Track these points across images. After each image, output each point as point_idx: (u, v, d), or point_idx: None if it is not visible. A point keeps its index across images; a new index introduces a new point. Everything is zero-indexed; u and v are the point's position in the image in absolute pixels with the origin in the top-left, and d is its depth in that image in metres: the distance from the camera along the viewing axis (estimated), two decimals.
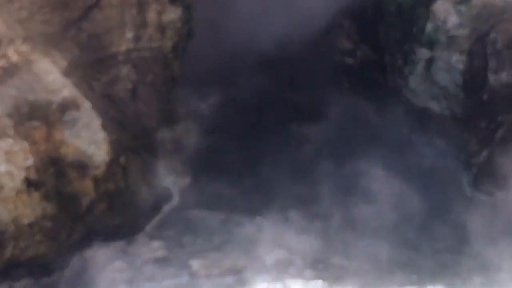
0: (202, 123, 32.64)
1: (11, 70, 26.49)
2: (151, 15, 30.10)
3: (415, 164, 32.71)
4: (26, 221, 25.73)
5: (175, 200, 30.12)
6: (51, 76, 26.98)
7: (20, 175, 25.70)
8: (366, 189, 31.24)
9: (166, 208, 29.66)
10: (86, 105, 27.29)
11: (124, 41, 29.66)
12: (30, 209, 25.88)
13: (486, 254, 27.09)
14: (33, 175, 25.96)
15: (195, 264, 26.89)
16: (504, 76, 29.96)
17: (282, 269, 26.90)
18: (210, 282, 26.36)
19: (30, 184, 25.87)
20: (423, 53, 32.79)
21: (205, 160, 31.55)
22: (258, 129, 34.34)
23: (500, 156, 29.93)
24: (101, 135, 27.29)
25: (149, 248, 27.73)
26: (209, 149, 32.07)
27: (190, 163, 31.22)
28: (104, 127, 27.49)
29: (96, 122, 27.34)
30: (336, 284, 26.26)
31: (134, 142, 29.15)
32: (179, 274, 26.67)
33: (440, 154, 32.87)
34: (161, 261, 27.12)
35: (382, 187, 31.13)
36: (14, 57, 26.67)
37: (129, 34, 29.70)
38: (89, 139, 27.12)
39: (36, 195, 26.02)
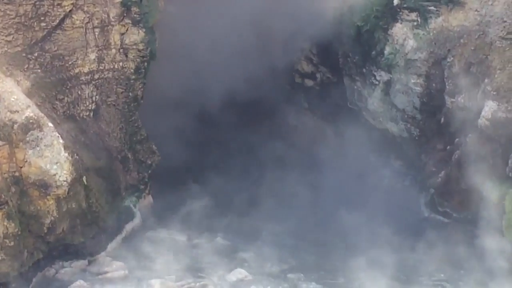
0: (163, 144, 32.57)
1: None
2: (114, 37, 30.18)
3: (373, 184, 32.88)
4: None
5: (137, 220, 30.20)
6: (14, 96, 26.72)
7: None
8: (325, 210, 31.59)
9: (128, 227, 29.74)
10: (49, 125, 27.05)
11: (87, 62, 29.64)
12: None
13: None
14: None
15: (156, 283, 26.62)
16: (460, 99, 30.15)
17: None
18: None
19: None
20: (382, 76, 32.97)
21: (167, 180, 31.49)
22: (219, 144, 34.84)
23: (457, 178, 30.19)
24: (63, 155, 27.07)
25: (110, 267, 27.58)
26: (170, 169, 32.06)
27: (152, 183, 31.20)
28: (67, 147, 27.30)
29: (58, 142, 27.08)
30: None
31: (97, 162, 28.96)
32: None
33: (397, 175, 33.12)
34: (122, 281, 27.01)
35: (341, 208, 31.27)
36: None
37: (92, 55, 29.70)
38: (51, 158, 26.89)
39: None
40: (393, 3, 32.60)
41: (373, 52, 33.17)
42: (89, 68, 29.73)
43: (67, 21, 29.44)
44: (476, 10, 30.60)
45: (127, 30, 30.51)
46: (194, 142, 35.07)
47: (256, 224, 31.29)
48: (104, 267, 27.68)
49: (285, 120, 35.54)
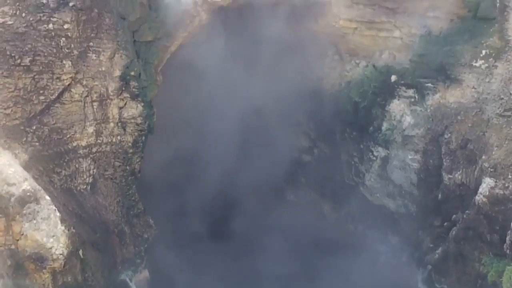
0: (160, 218, 32.51)
1: None
2: (113, 110, 30.28)
3: (370, 260, 32.67)
4: None
5: None
6: (12, 169, 26.62)
7: None
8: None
9: None
10: (46, 198, 26.83)
11: (85, 136, 29.72)
12: None
13: None
14: None
15: None
16: (458, 176, 30.16)
17: None
18: None
19: None
20: (379, 152, 33.08)
21: (163, 255, 31.45)
22: (219, 218, 34.89)
23: (454, 255, 29.94)
24: (60, 228, 26.84)
25: None
26: (167, 244, 31.98)
27: (148, 257, 31.07)
28: (64, 220, 27.09)
29: (55, 215, 26.83)
30: None
31: (93, 235, 28.82)
32: None
33: (394, 251, 32.91)
34: None
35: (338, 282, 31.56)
36: None
37: (90, 129, 29.78)
38: (48, 232, 26.64)
39: None
40: (390, 79, 32.77)
41: (371, 128, 33.27)
42: (87, 142, 29.79)
43: (66, 94, 29.55)
44: (473, 87, 30.84)
45: (125, 104, 30.65)
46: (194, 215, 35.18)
47: None
48: None
49: (283, 195, 35.88)
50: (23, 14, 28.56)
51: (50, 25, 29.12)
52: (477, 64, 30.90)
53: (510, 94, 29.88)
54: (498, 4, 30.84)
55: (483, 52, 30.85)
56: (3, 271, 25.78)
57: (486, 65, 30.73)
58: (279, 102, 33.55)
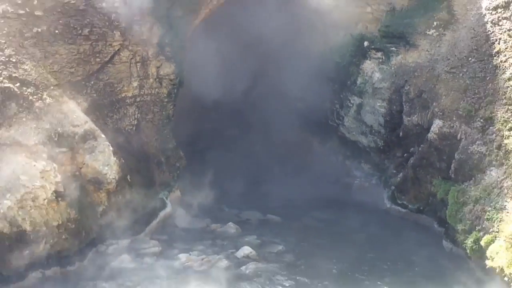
0: (188, 151, 33.23)
1: (45, 109, 27.23)
2: (152, 69, 31.20)
3: (347, 182, 33.73)
4: (55, 223, 26.30)
5: (168, 209, 30.88)
6: (76, 114, 27.83)
7: (51, 189, 26.26)
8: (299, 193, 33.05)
9: (161, 214, 30.56)
10: (102, 136, 28.11)
11: (131, 89, 30.59)
12: (58, 214, 26.47)
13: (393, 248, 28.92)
14: (60, 189, 26.56)
15: (183, 256, 28.05)
16: (415, 118, 31.05)
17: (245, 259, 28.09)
18: (191, 270, 27.31)
19: (58, 195, 26.46)
20: (355, 100, 33.90)
21: (195, 180, 31.97)
22: (231, 152, 35.11)
23: (412, 178, 31.09)
24: (112, 159, 28.11)
25: (147, 245, 28.64)
26: (198, 171, 32.69)
27: (182, 180, 31.87)
28: (115, 153, 28.21)
29: (109, 149, 28.11)
30: None
31: (138, 164, 29.52)
32: (168, 264, 27.57)
33: (367, 176, 33.73)
34: (154, 253, 28.19)
35: (322, 200, 32.83)
36: (48, 99, 27.46)
37: (135, 83, 30.71)
38: (103, 162, 27.97)
39: (62, 204, 26.67)
40: (363, 45, 33.66)
41: (348, 82, 34.07)
42: (132, 93, 30.66)
43: (116, 57, 30.44)
44: (426, 51, 31.73)
45: (161, 64, 31.53)
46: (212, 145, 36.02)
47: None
48: (143, 244, 28.57)
49: (283, 135, 35.83)
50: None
51: (103, 4, 29.95)
52: (430, 33, 31.83)
53: (455, 55, 30.57)
54: None
55: (435, 23, 31.76)
56: (69, 192, 26.91)
57: (437, 33, 31.64)
58: (275, 62, 34.69)
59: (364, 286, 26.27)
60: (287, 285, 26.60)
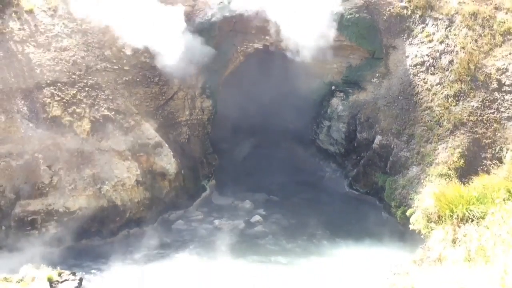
0: (220, 155, 33.16)
1: (130, 128, 27.88)
2: (198, 103, 31.33)
3: (319, 176, 33.63)
4: (136, 200, 27.07)
5: (207, 192, 31.08)
6: (149, 132, 28.31)
7: (133, 178, 27.08)
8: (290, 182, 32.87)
9: (203, 195, 30.74)
10: (166, 145, 28.51)
11: (184, 116, 30.76)
12: (138, 194, 27.23)
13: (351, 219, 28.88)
14: (139, 178, 27.31)
15: (216, 221, 28.56)
16: (364, 134, 31.03)
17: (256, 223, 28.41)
18: (222, 230, 27.80)
19: (138, 182, 27.19)
20: (326, 123, 33.70)
21: (224, 173, 32.04)
22: (248, 156, 34.91)
23: (362, 173, 31.29)
24: (172, 160, 28.46)
25: (194, 212, 29.15)
26: (226, 168, 32.65)
27: (216, 173, 31.96)
28: (174, 156, 28.61)
29: (170, 153, 28.48)
30: None
31: (188, 163, 29.80)
32: (207, 226, 28.22)
33: (333, 171, 33.50)
34: (200, 220, 28.64)
35: (305, 186, 32.77)
36: (132, 122, 28.04)
37: (187, 112, 30.93)
38: (167, 161, 28.39)
39: (141, 188, 27.38)
40: (332, 88, 33.46)
41: (322, 112, 33.86)
42: (185, 119, 30.82)
43: (175, 96, 30.64)
44: (371, 92, 31.58)
45: (203, 100, 31.68)
46: (239, 144, 35.25)
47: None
48: (192, 214, 28.97)
49: (279, 144, 35.52)
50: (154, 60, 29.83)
51: (167, 63, 29.74)
52: (374, 81, 31.62)
53: (389, 95, 30.64)
54: (384, 51, 31.42)
55: (377, 74, 31.58)
56: (145, 180, 27.63)
57: (378, 81, 31.49)
58: (275, 98, 33.99)
59: (330, 239, 26.91)
60: (282, 239, 27.06)
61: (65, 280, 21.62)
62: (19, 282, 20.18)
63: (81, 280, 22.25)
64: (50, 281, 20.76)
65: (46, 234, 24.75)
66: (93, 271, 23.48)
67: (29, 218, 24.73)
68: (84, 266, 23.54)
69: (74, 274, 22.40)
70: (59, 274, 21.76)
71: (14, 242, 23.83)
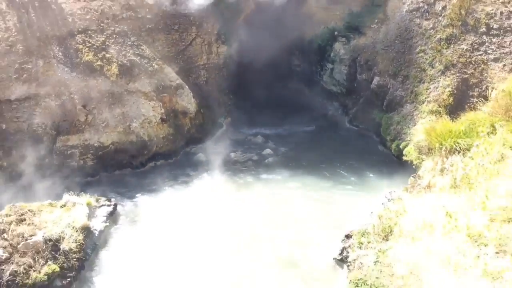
0: (235, 94, 32.92)
1: (154, 72, 27.25)
2: (214, 49, 30.93)
3: (323, 113, 33.35)
4: (161, 135, 27.06)
5: (223, 128, 31.06)
6: (171, 75, 27.99)
7: (158, 116, 26.97)
8: (297, 119, 32.44)
9: (220, 131, 30.72)
10: (186, 87, 28.31)
11: (202, 60, 30.44)
12: (163, 130, 27.19)
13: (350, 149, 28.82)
14: (163, 116, 27.20)
15: (232, 154, 28.43)
16: (363, 76, 30.63)
17: (267, 155, 28.27)
18: (238, 161, 27.75)
19: (162, 120, 27.11)
20: (329, 66, 33.24)
21: (238, 115, 31.94)
22: (266, 88, 33.88)
23: (361, 110, 30.74)
24: (192, 100, 28.31)
25: (212, 146, 28.89)
26: (240, 106, 32.54)
27: (230, 115, 31.87)
28: (194, 96, 28.47)
29: (190, 94, 28.33)
30: None
31: (207, 103, 29.66)
32: (224, 158, 27.93)
33: (336, 109, 33.34)
34: (217, 153, 28.23)
35: (310, 121, 32.66)
36: (155, 66, 27.69)
37: (204, 57, 30.61)
38: (187, 101, 28.22)
39: (165, 125, 27.35)
40: (335, 33, 32.90)
41: (326, 55, 33.38)
42: (203, 63, 30.54)
43: (193, 42, 30.31)
44: (371, 36, 31.23)
45: (219, 46, 31.35)
46: (250, 86, 33.67)
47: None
48: (210, 147, 28.80)
49: (286, 85, 34.90)
50: (173, 5, 29.70)
51: (186, 11, 29.80)
52: (373, 26, 31.25)
53: (387, 39, 30.18)
54: None
55: (375, 20, 31.21)
56: (169, 118, 27.40)
57: (377, 26, 31.11)
58: (284, 43, 33.04)
59: (333, 166, 27.00)
60: (291, 166, 27.22)
61: (102, 205, 22.28)
62: (62, 207, 20.82)
63: (115, 205, 22.96)
64: (89, 206, 21.42)
65: (84, 165, 25.13)
66: (125, 197, 23.91)
67: (68, 152, 25.03)
68: (118, 193, 23.99)
69: (109, 200, 23.12)
70: (97, 200, 22.45)
71: (57, 173, 24.19)
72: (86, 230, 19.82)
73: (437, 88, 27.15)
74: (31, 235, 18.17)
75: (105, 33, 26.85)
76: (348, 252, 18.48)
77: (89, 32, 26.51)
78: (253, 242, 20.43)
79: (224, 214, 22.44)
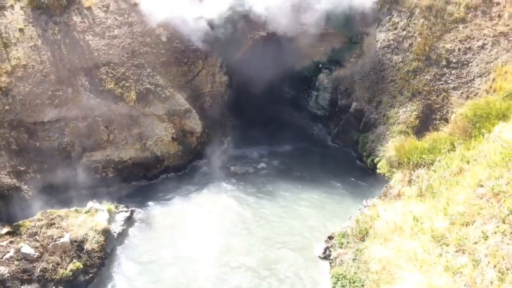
0: (235, 117, 32.50)
1: (166, 98, 27.23)
2: (217, 78, 30.65)
3: (310, 133, 32.89)
4: (172, 152, 26.74)
5: (224, 146, 30.48)
6: (181, 100, 27.72)
7: (169, 135, 26.73)
8: (288, 138, 31.61)
9: (221, 148, 30.07)
10: (193, 111, 28.02)
11: (207, 88, 30.14)
12: (173, 148, 26.88)
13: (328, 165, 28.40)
14: (174, 136, 26.92)
15: (232, 167, 28.09)
16: (343, 101, 30.36)
17: (262, 169, 27.95)
18: (236, 173, 27.45)
19: (173, 139, 26.84)
20: (314, 93, 32.91)
21: (237, 134, 31.28)
22: (261, 112, 33.17)
23: (341, 131, 30.67)
24: (199, 121, 28.01)
25: (215, 161, 28.48)
26: (239, 127, 31.95)
27: (230, 134, 31.23)
28: (200, 118, 28.17)
29: (197, 117, 28.00)
30: None
31: (211, 124, 29.29)
32: (225, 170, 27.53)
33: (320, 130, 32.91)
34: (219, 166, 27.98)
35: (298, 140, 31.85)
36: (167, 93, 27.10)
37: (209, 85, 30.32)
38: (194, 123, 27.90)
39: (175, 143, 27.01)
40: (319, 66, 32.61)
41: (312, 84, 33.00)
42: (207, 90, 30.24)
43: (200, 73, 30.01)
44: (349, 69, 30.79)
45: (221, 76, 30.95)
46: (250, 108, 32.99)
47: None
48: (213, 162, 28.14)
49: (279, 109, 34.43)
50: (183, 45, 29.39)
51: (193, 47, 29.78)
52: (352, 60, 31.02)
53: (363, 71, 30.06)
54: (359, 37, 30.92)
55: (354, 55, 31.01)
56: (178, 137, 26.91)
57: (354, 60, 30.88)
58: (276, 73, 32.67)
59: (318, 177, 26.91)
60: (282, 176, 27.19)
61: (120, 211, 22.20)
62: (86, 213, 20.77)
63: (132, 211, 22.87)
64: (109, 212, 21.35)
65: (105, 177, 25.10)
66: (140, 204, 23.90)
67: (93, 166, 25.08)
68: (134, 201, 23.98)
69: (127, 207, 23.04)
70: (116, 207, 22.39)
71: (82, 184, 24.19)
72: (107, 233, 19.86)
73: (405, 112, 27.30)
74: (59, 237, 18.18)
75: (125, 66, 26.94)
76: (330, 251, 18.53)
77: (111, 64, 26.68)
78: (250, 240, 20.73)
79: (224, 215, 22.91)
